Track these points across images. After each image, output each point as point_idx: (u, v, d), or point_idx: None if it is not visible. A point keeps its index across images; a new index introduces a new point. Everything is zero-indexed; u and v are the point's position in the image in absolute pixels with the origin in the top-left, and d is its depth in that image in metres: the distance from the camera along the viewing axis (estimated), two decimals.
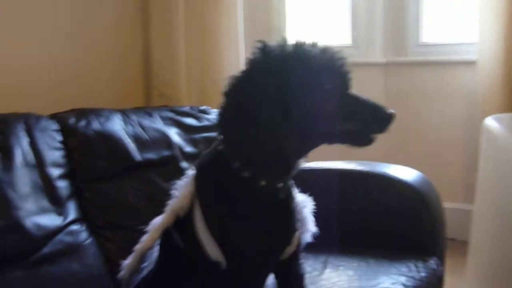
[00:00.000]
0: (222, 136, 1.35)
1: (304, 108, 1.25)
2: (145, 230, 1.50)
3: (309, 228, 1.54)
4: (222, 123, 1.34)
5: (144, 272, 1.56)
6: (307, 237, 1.53)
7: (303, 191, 1.53)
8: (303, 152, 1.35)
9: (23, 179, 1.72)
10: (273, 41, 1.31)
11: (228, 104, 1.31)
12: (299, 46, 1.30)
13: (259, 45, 1.31)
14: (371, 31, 3.38)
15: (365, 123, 1.29)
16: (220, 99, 1.32)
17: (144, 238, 1.49)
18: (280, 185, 1.35)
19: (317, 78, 1.26)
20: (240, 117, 1.28)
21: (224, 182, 1.35)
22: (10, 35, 2.28)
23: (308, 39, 1.31)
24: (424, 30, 3.32)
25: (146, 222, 1.51)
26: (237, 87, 1.31)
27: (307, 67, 1.26)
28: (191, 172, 1.43)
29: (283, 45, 1.30)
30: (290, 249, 1.43)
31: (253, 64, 1.31)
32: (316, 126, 1.27)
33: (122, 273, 1.54)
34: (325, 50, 1.30)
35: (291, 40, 1.32)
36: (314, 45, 1.30)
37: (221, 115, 1.33)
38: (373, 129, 1.30)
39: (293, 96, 1.24)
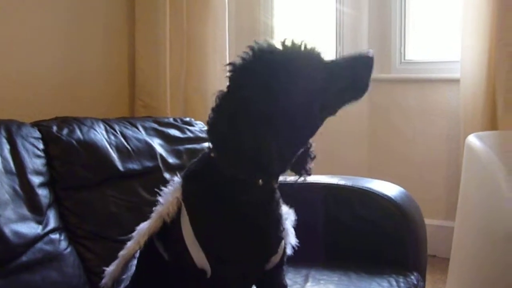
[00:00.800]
0: (213, 143, 1.34)
1: (292, 100, 1.27)
2: (128, 237, 1.48)
3: (290, 240, 1.54)
4: (213, 129, 1.33)
5: (123, 285, 1.55)
6: (287, 250, 1.53)
7: (286, 204, 1.53)
8: (303, 141, 1.36)
9: (3, 187, 1.69)
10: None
11: (218, 110, 1.32)
12: (259, 51, 1.31)
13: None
14: (355, 47, 3.40)
15: (355, 74, 1.32)
16: (204, 110, 1.32)
17: (129, 244, 1.47)
18: (276, 184, 1.36)
19: (291, 72, 1.28)
20: (231, 119, 1.28)
21: (215, 188, 1.34)
22: (3, 47, 2.27)
23: (265, 40, 1.34)
24: (409, 48, 3.35)
25: (127, 232, 1.50)
26: (222, 96, 1.32)
27: (274, 69, 1.28)
28: (177, 179, 1.42)
29: (247, 53, 1.32)
30: (275, 259, 1.43)
31: (242, 67, 1.32)
32: (312, 109, 1.29)
33: (104, 281, 1.53)
34: (284, 45, 1.31)
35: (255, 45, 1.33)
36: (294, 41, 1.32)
37: (211, 121, 1.33)
38: (364, 75, 1.33)
39: (277, 92, 1.26)
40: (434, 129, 3.27)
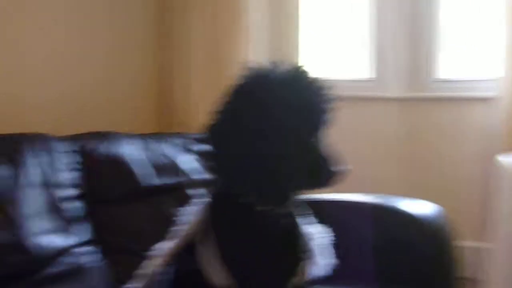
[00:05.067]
0: (214, 160, 1.36)
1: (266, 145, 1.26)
2: (152, 254, 1.49)
3: (321, 261, 1.52)
4: (214, 143, 1.35)
5: None
6: (318, 270, 1.51)
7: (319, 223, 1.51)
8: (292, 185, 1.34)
9: (37, 198, 1.74)
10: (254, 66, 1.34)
11: (211, 134, 1.35)
12: (292, 74, 1.30)
13: (244, 66, 1.34)
14: (387, 65, 3.37)
15: (310, 175, 1.29)
16: None
17: (151, 262, 1.49)
18: (279, 210, 1.35)
19: (295, 112, 1.27)
20: (221, 146, 1.31)
21: (228, 210, 1.36)
22: (42, 63, 2.33)
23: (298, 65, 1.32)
24: (441, 66, 3.31)
25: (154, 247, 1.50)
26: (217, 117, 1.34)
27: (290, 98, 1.26)
28: (203, 198, 1.43)
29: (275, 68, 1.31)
30: (296, 281, 1.41)
31: (241, 83, 1.33)
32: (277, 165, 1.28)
33: None
34: (310, 83, 1.30)
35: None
36: (302, 74, 1.30)
37: (213, 134, 1.35)
38: (316, 182, 1.30)
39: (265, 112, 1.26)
40: (467, 148, 3.21)
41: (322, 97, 1.30)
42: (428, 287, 1.94)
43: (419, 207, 2.08)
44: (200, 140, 2.33)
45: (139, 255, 1.83)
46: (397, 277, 1.99)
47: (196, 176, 2.19)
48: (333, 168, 1.27)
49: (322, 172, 1.28)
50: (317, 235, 1.52)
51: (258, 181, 1.30)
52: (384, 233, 2.05)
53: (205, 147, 2.21)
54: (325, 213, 1.51)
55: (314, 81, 1.31)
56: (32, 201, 1.73)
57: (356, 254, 1.54)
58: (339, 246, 1.52)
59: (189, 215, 1.43)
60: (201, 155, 2.27)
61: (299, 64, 1.33)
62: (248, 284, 1.33)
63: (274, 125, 1.26)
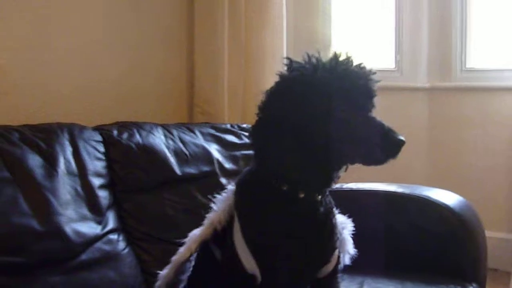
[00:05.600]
0: (256, 152, 1.36)
1: (325, 125, 1.25)
2: (182, 242, 1.51)
3: (348, 250, 1.53)
4: (256, 138, 1.35)
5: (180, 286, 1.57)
6: (346, 259, 1.52)
7: (343, 212, 1.52)
8: (338, 164, 1.34)
9: (65, 187, 1.75)
10: (303, 57, 1.33)
11: (261, 119, 1.33)
12: (335, 62, 1.30)
13: (286, 61, 1.34)
14: (415, 55, 3.35)
15: (374, 147, 1.27)
16: None
17: (181, 250, 1.51)
18: (319, 197, 1.35)
19: (342, 98, 1.26)
20: (273, 131, 1.29)
21: (263, 196, 1.36)
22: (71, 55, 2.36)
23: (343, 54, 1.32)
24: (470, 56, 3.27)
25: (183, 235, 1.53)
26: (268, 102, 1.33)
27: (335, 86, 1.26)
28: (231, 187, 1.45)
29: (317, 60, 1.31)
30: (328, 268, 1.42)
31: (282, 80, 1.34)
32: (333, 145, 1.27)
33: (158, 284, 1.56)
34: (356, 68, 1.30)
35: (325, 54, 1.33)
36: (346, 61, 1.30)
37: (254, 130, 1.34)
38: (382, 154, 1.27)
39: (317, 112, 1.26)
40: (496, 139, 3.18)
41: (370, 80, 1.30)
42: (454, 277, 1.92)
43: (447, 197, 2.06)
44: (229, 130, 2.35)
45: (168, 242, 1.87)
46: (424, 267, 1.99)
47: (226, 165, 2.21)
48: (399, 137, 1.27)
49: (391, 141, 1.26)
50: (346, 224, 1.53)
51: (307, 168, 1.29)
52: (411, 222, 2.05)
53: (233, 137, 2.29)
54: (344, 202, 1.51)
55: (358, 65, 1.31)
56: (68, 189, 1.75)
57: (363, 241, 1.53)
58: (357, 236, 1.54)
59: (219, 203, 1.44)
60: (231, 145, 2.29)
61: (340, 52, 1.33)
62: (276, 272, 1.34)
63: (327, 111, 1.25)
